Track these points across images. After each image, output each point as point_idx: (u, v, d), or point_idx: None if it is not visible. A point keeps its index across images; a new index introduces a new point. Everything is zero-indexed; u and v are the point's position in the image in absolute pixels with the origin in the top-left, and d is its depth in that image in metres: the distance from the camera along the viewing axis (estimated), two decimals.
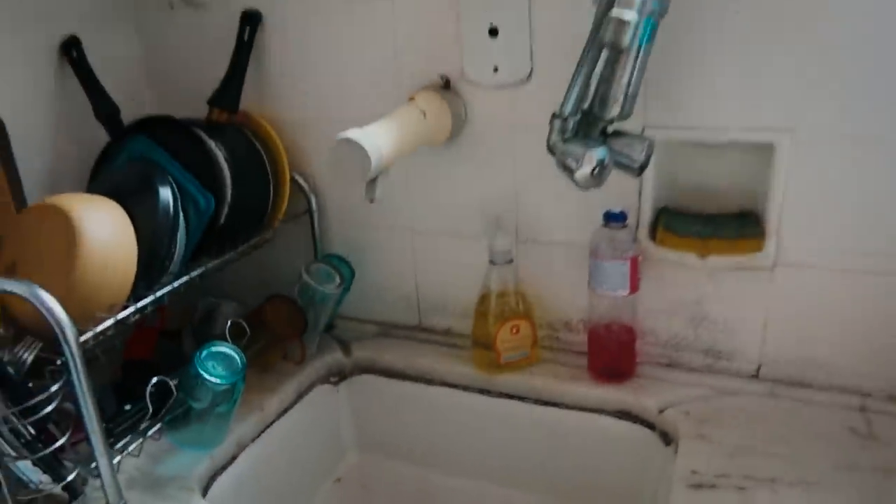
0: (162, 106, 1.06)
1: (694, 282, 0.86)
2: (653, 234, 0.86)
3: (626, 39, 0.59)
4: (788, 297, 0.83)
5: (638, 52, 0.69)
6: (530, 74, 0.84)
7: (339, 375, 1.01)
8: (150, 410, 0.73)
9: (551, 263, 0.93)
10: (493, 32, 0.83)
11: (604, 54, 0.68)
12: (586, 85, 0.70)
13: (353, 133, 0.71)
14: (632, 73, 0.69)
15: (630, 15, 0.58)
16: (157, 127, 0.88)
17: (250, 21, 0.94)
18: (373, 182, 0.75)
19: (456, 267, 0.98)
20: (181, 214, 0.81)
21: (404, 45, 0.89)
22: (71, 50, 0.93)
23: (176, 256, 0.82)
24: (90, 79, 0.93)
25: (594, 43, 0.68)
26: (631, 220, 0.85)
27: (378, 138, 0.72)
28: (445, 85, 0.87)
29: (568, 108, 0.71)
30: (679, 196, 0.87)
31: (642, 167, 0.73)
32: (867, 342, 0.81)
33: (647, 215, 0.85)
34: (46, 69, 0.92)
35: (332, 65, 0.94)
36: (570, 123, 0.72)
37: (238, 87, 0.94)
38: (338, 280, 0.93)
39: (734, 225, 0.83)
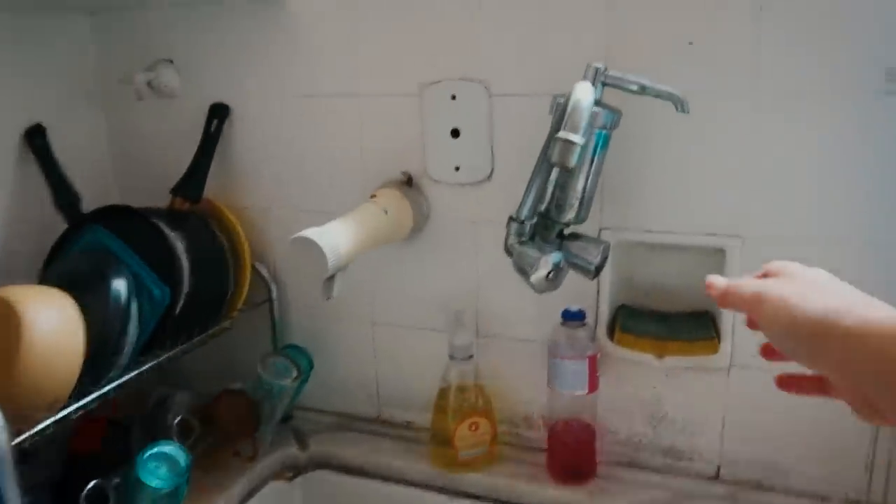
0: (127, 194, 1.06)
1: (652, 381, 0.86)
2: (611, 332, 0.86)
3: (572, 160, 0.60)
4: (745, 399, 0.83)
5: (591, 161, 0.72)
6: (491, 174, 0.86)
7: (294, 470, 0.98)
8: None
9: (511, 359, 0.92)
10: (455, 134, 0.85)
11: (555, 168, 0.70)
12: (542, 190, 0.72)
13: (311, 232, 0.71)
14: (586, 181, 0.71)
15: (576, 138, 0.60)
16: (116, 216, 0.88)
17: (218, 113, 0.96)
18: (330, 280, 0.74)
19: (416, 360, 0.97)
20: (134, 306, 0.80)
21: (369, 142, 0.91)
22: (35, 138, 0.93)
23: (126, 349, 0.80)
24: (52, 167, 0.93)
25: (545, 157, 0.70)
26: (590, 319, 0.86)
27: (336, 237, 0.73)
28: (408, 182, 0.89)
29: (524, 213, 0.72)
30: (636, 294, 0.88)
31: (598, 269, 0.74)
32: (825, 446, 0.81)
33: (605, 314, 0.86)
34: (7, 156, 0.92)
35: (298, 159, 0.95)
36: (527, 227, 0.73)
37: (202, 178, 0.95)
38: (294, 373, 0.91)
39: (690, 325, 0.84)
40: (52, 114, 0.96)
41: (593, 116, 0.68)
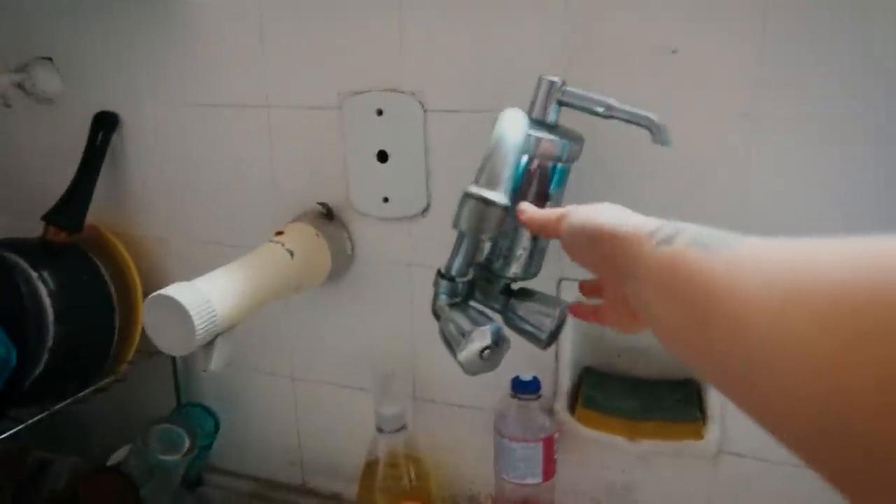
0: (12, 216, 0.89)
1: (622, 464, 0.70)
2: (573, 403, 0.70)
3: (489, 228, 0.43)
4: (735, 492, 0.67)
5: (545, 201, 0.55)
6: (427, 207, 0.69)
7: None
8: None
9: (453, 428, 0.76)
10: (383, 157, 0.69)
11: None
12: (478, 240, 0.56)
13: (174, 289, 0.54)
14: None
15: (496, 195, 0.43)
16: None
17: (104, 124, 0.79)
18: (208, 347, 0.58)
19: (343, 422, 0.81)
20: None
21: (282, 164, 0.74)
22: None
23: None
24: None
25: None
26: (546, 385, 0.69)
27: (212, 293, 0.56)
28: (327, 214, 0.72)
29: (455, 267, 0.56)
30: (605, 355, 0.72)
31: (551, 337, 0.57)
32: None
33: (566, 381, 0.70)
34: None
35: (200, 180, 0.79)
36: (460, 285, 0.57)
37: (83, 202, 0.78)
38: (186, 446, 0.75)
39: (670, 400, 0.68)
40: None
41: (542, 146, 0.52)
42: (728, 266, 0.29)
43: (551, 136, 0.53)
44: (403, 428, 0.73)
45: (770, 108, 0.57)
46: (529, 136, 0.52)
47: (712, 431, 0.65)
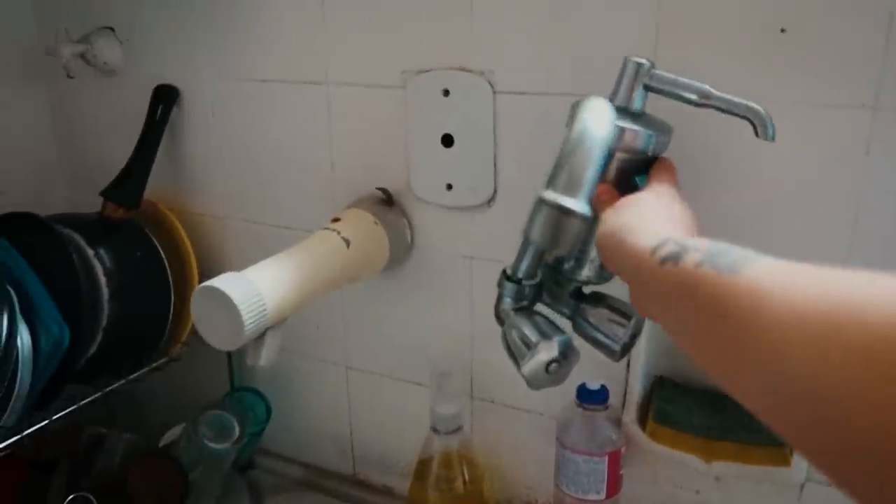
0: (75, 187, 0.89)
1: (697, 485, 0.64)
2: (644, 414, 0.64)
3: (567, 241, 0.37)
4: None
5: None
6: (493, 197, 0.64)
7: None
8: None
9: (512, 431, 0.72)
10: (448, 141, 0.64)
11: None
12: None
13: (223, 281, 0.51)
14: None
15: (575, 204, 0.37)
16: (23, 227, 0.70)
17: (164, 98, 0.77)
18: (258, 341, 0.55)
19: (397, 415, 0.78)
20: (22, 348, 0.63)
21: (340, 145, 0.70)
22: None
23: (14, 400, 0.63)
24: None
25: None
26: (615, 394, 0.64)
27: (262, 286, 0.53)
28: (386, 200, 0.68)
29: (522, 269, 0.51)
30: (681, 365, 0.65)
31: (625, 348, 0.52)
32: None
33: (636, 391, 0.64)
34: None
35: (259, 159, 0.76)
36: (527, 289, 0.52)
37: (141, 178, 0.77)
38: (236, 434, 0.73)
39: (752, 420, 0.61)
40: None
41: (624, 138, 0.46)
42: (751, 293, 0.28)
43: (636, 127, 0.47)
44: (459, 429, 0.69)
45: None
46: (616, 126, 0.46)
47: (800, 458, 0.58)
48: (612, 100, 0.49)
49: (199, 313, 0.52)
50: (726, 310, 0.29)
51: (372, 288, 0.73)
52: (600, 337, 0.50)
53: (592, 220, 0.41)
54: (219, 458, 0.73)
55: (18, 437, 0.63)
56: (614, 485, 0.63)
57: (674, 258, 0.33)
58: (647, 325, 0.61)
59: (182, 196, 0.81)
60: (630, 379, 0.64)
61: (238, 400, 0.79)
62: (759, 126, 0.45)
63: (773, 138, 0.45)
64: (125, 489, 0.67)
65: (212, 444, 0.71)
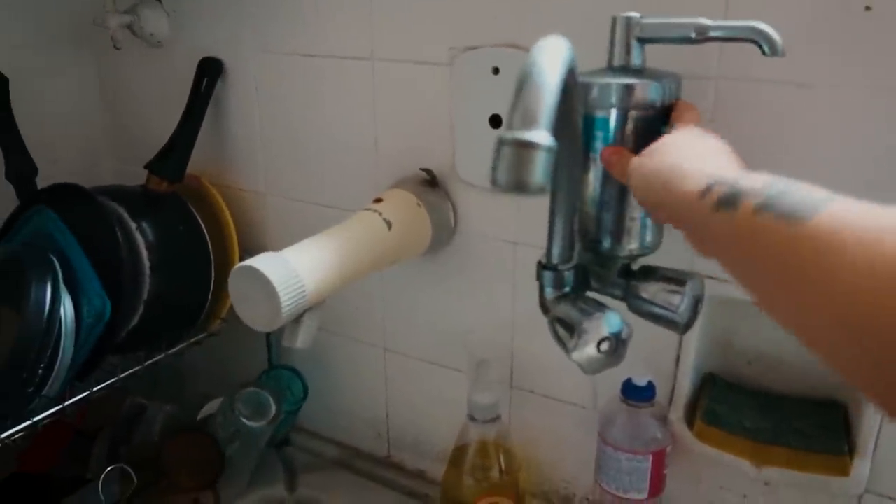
0: (121, 158, 0.89)
1: (745, 489, 0.62)
2: (691, 413, 0.61)
3: (532, 176, 0.34)
4: None
5: None
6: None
7: None
8: None
9: (552, 423, 0.70)
10: (496, 122, 0.61)
11: (597, 171, 0.47)
12: (570, 219, 0.48)
13: (262, 261, 0.50)
14: None
15: (535, 135, 0.34)
16: (70, 198, 0.70)
17: (209, 70, 0.76)
18: (296, 323, 0.54)
19: (434, 400, 0.77)
20: (65, 320, 0.63)
21: (384, 122, 0.68)
22: None
23: (54, 373, 0.63)
24: (9, 129, 0.76)
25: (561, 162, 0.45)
26: (662, 391, 0.61)
27: (301, 267, 0.52)
28: (430, 182, 0.66)
29: (555, 255, 0.49)
30: (734, 363, 0.62)
31: (690, 318, 0.49)
32: None
33: (685, 388, 0.61)
34: None
35: (302, 136, 0.74)
36: (566, 275, 0.50)
37: (185, 152, 0.76)
38: (272, 412, 0.73)
39: (809, 423, 0.58)
40: (21, 62, 0.79)
41: (632, 92, 0.45)
42: (823, 242, 0.26)
43: (642, 81, 0.45)
44: (497, 419, 0.68)
45: None
46: (617, 85, 0.45)
47: (860, 467, 0.55)
48: (610, 62, 0.48)
49: (236, 293, 0.52)
50: (799, 260, 0.27)
51: (413, 270, 0.71)
52: (657, 310, 0.48)
53: (558, 153, 0.37)
54: (254, 436, 0.73)
55: (60, 406, 0.64)
56: (657, 485, 0.61)
57: (729, 203, 0.31)
58: (700, 321, 0.58)
59: (224, 171, 0.81)
60: (679, 375, 0.61)
61: (275, 378, 0.79)
62: (767, 44, 0.42)
63: (783, 53, 0.42)
64: (164, 463, 0.67)
65: (248, 422, 0.71)
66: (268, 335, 0.82)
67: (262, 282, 0.50)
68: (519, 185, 0.35)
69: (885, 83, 0.48)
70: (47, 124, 0.82)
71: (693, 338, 0.60)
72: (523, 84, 0.37)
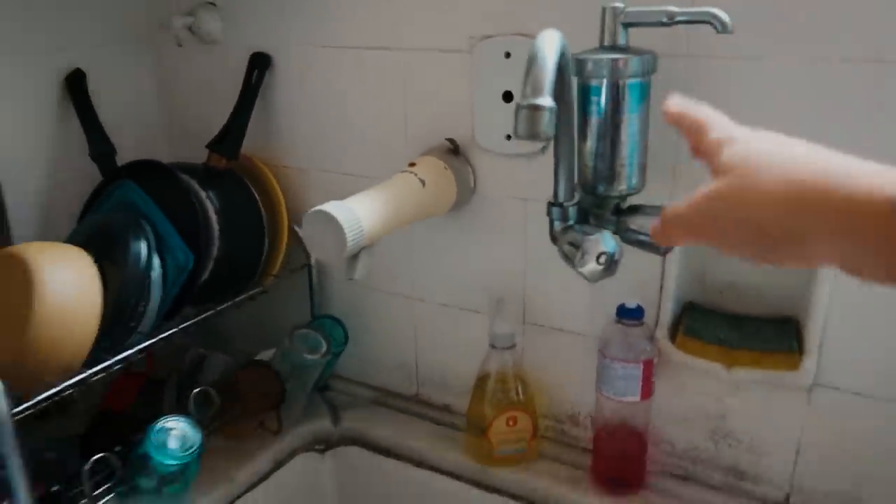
0: (173, 144, 1.02)
1: (718, 393, 0.75)
2: (674, 333, 0.75)
3: (543, 128, 0.49)
4: (827, 424, 0.71)
5: (629, 118, 0.61)
6: (546, 146, 0.75)
7: (325, 444, 0.94)
8: (87, 494, 0.67)
9: (559, 351, 0.83)
10: (508, 97, 0.75)
11: (593, 127, 0.61)
12: (571, 165, 0.62)
13: (330, 206, 0.64)
14: (632, 142, 0.61)
15: (543, 100, 0.49)
16: (148, 172, 0.84)
17: (259, 64, 0.89)
18: (354, 259, 0.67)
19: (457, 340, 0.90)
20: (156, 270, 0.76)
21: (413, 103, 0.82)
22: (75, 84, 0.89)
23: (147, 315, 0.76)
24: (89, 116, 0.89)
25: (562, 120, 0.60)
26: (649, 316, 0.75)
27: (360, 211, 0.65)
28: (453, 150, 0.79)
29: (560, 194, 0.63)
30: (708, 292, 0.76)
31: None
32: None
33: (668, 312, 0.75)
34: (47, 103, 0.89)
35: (339, 117, 0.88)
36: (569, 210, 0.63)
37: (240, 133, 0.89)
38: (324, 348, 0.86)
39: (768, 334, 0.72)
40: (96, 58, 0.92)
41: (618, 65, 0.58)
42: None
43: (626, 56, 0.59)
44: (513, 346, 0.81)
45: None
46: (607, 59, 0.58)
47: (809, 363, 0.69)
48: (601, 42, 0.61)
49: (309, 233, 0.65)
50: None
51: (438, 227, 0.85)
52: (643, 238, 0.62)
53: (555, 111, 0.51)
54: (308, 370, 0.86)
55: (152, 341, 0.76)
56: (648, 389, 0.74)
57: None
58: (678, 258, 0.72)
59: (272, 151, 0.94)
60: (662, 301, 0.75)
61: (321, 324, 0.91)
62: (719, 24, 0.55)
63: (732, 31, 0.55)
64: (236, 389, 0.80)
65: (304, 356, 0.84)
66: (311, 290, 0.95)
67: (331, 222, 0.63)
68: (533, 135, 0.50)
69: (820, 54, 0.61)
70: (111, 114, 0.94)
71: (673, 271, 0.74)
72: (531, 65, 0.51)
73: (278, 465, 0.88)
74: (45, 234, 0.88)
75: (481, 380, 0.84)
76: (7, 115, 0.85)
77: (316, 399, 0.96)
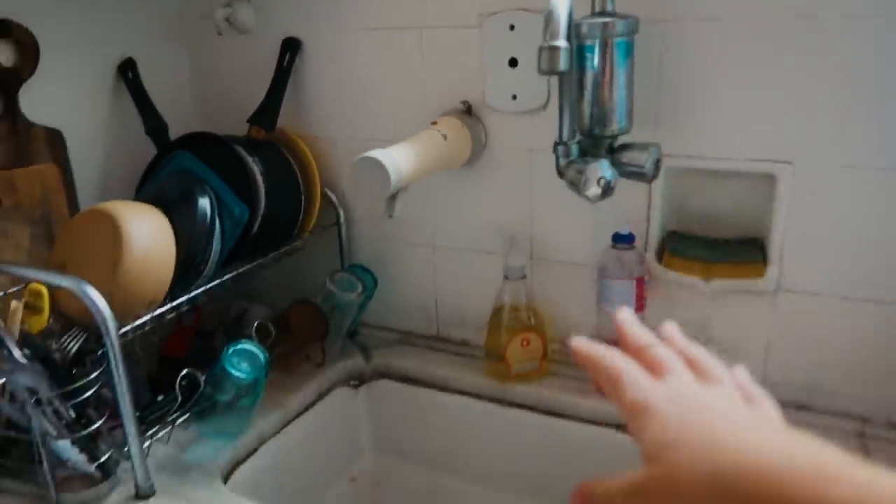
0: (207, 123, 1.14)
1: (699, 304, 0.89)
2: (660, 256, 0.89)
3: (561, 64, 0.65)
4: (791, 322, 0.85)
5: (616, 71, 0.75)
6: (546, 103, 0.89)
7: (358, 379, 1.07)
8: (180, 400, 0.80)
9: (563, 282, 0.97)
10: (513, 63, 0.89)
11: (589, 80, 0.75)
12: (574, 110, 0.77)
13: (375, 152, 0.77)
14: (618, 91, 0.75)
15: (559, 42, 0.64)
16: (200, 143, 0.96)
17: (290, 48, 1.02)
18: (392, 199, 0.80)
19: (473, 281, 1.03)
20: (217, 223, 0.88)
21: (430, 73, 0.95)
22: (127, 71, 1.02)
23: (211, 261, 0.88)
24: (142, 98, 1.02)
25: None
26: (639, 243, 0.89)
27: (399, 158, 0.78)
28: (467, 111, 0.93)
29: (564, 134, 0.77)
30: (687, 221, 0.90)
31: (653, 171, 0.77)
32: (868, 369, 0.83)
33: (654, 238, 0.89)
34: (104, 87, 1.01)
35: (364, 91, 1.01)
36: (571, 147, 0.77)
37: (276, 108, 1.02)
38: (360, 288, 0.99)
39: (738, 251, 0.86)
40: (142, 48, 1.04)
41: (608, 27, 0.72)
42: None
43: (614, 19, 0.73)
44: (524, 277, 0.94)
45: None
46: (599, 23, 0.72)
47: (772, 271, 0.83)
48: (593, 9, 0.76)
49: (357, 175, 0.77)
50: None
51: (454, 180, 0.98)
52: (633, 168, 0.76)
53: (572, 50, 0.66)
54: (346, 307, 0.99)
55: (214, 282, 0.88)
56: (641, 303, 0.88)
57: None
58: (661, 189, 0.86)
59: (303, 123, 1.07)
60: (650, 229, 0.89)
61: (352, 271, 1.04)
62: None
63: None
64: (288, 323, 0.93)
65: (343, 295, 0.97)
66: (340, 244, 1.08)
67: (378, 166, 0.76)
68: (552, 69, 0.64)
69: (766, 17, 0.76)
70: (154, 97, 1.07)
71: (657, 203, 0.88)
72: (549, 19, 0.66)
73: (321, 396, 1.01)
74: (105, 199, 1.00)
75: (497, 310, 0.97)
76: (72, 98, 0.98)
77: (348, 344, 1.09)
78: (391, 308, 1.11)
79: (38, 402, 0.72)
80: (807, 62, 0.76)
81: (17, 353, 0.72)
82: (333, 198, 1.07)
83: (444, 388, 1.02)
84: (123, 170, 1.03)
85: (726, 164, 0.83)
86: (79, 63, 0.98)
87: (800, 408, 0.88)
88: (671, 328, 0.43)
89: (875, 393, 0.83)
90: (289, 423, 0.95)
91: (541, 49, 0.64)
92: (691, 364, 0.40)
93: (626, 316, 0.43)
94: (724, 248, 0.87)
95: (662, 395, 0.37)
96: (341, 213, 1.07)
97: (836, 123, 0.76)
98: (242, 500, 0.76)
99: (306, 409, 0.98)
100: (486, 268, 1.01)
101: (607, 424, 0.91)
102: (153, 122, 1.01)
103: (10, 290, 0.83)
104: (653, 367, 0.39)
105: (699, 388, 0.38)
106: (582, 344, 0.41)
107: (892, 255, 0.78)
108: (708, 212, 0.89)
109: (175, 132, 1.02)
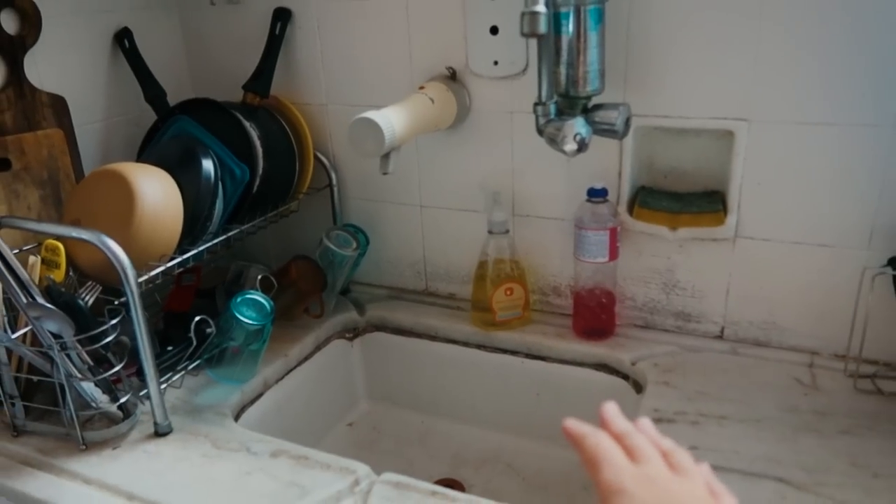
0: (200, 91, 1.19)
1: (666, 252, 0.98)
2: (630, 209, 0.97)
3: (541, 27, 0.72)
4: (748, 267, 0.94)
5: (588, 35, 0.82)
6: (526, 68, 0.96)
7: (353, 332, 1.14)
8: (194, 343, 0.86)
9: (543, 235, 1.05)
10: (494, 31, 0.95)
11: (564, 45, 0.82)
12: (552, 73, 0.84)
13: (370, 113, 0.83)
14: (592, 54, 0.82)
15: (539, 7, 0.72)
16: (199, 108, 1.01)
17: (281, 17, 1.07)
18: (386, 157, 0.87)
19: (459, 238, 1.11)
20: (220, 183, 0.94)
21: (416, 41, 1.01)
22: (123, 39, 1.06)
23: (215, 219, 0.94)
24: (140, 66, 1.06)
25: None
26: (612, 197, 0.97)
27: (391, 119, 0.85)
28: (452, 76, 1.00)
29: (543, 95, 0.84)
30: (655, 177, 0.98)
31: (623, 129, 0.85)
32: (817, 308, 0.92)
33: (625, 193, 0.97)
34: (102, 56, 1.06)
35: (352, 57, 1.07)
36: (550, 107, 0.85)
37: (269, 75, 1.07)
38: (354, 245, 1.06)
39: (701, 202, 0.95)
40: (137, 17, 1.09)
41: None
42: None
43: None
44: (507, 232, 1.02)
45: None
46: None
47: (731, 219, 0.92)
48: None
49: (354, 133, 0.84)
50: None
51: (440, 142, 1.05)
52: (605, 126, 0.83)
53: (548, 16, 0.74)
54: (342, 262, 1.05)
55: (218, 239, 0.94)
56: (614, 252, 0.97)
57: None
58: (631, 148, 0.94)
59: (295, 90, 1.12)
60: (621, 184, 0.97)
61: (346, 229, 1.11)
62: None
63: None
64: (289, 276, 1.00)
65: (340, 250, 1.03)
66: (333, 205, 1.14)
67: (373, 126, 0.82)
68: (533, 32, 0.71)
69: None
70: (150, 66, 1.11)
71: (628, 161, 0.96)
72: None
73: (318, 347, 1.08)
74: (107, 163, 1.05)
75: (482, 264, 1.05)
76: (73, 66, 1.02)
77: (341, 300, 1.16)
78: (381, 266, 1.19)
79: (63, 347, 0.78)
80: (759, 27, 0.84)
81: (41, 300, 0.78)
82: (326, 161, 1.13)
83: (433, 338, 1.09)
84: (123, 134, 1.08)
85: (689, 123, 0.91)
86: (78, 32, 1.02)
87: (757, 344, 0.97)
88: (646, 423, 0.45)
89: (822, 329, 0.93)
90: (290, 370, 1.02)
91: (523, 14, 0.71)
92: (665, 455, 0.42)
93: (611, 409, 0.45)
94: (687, 200, 0.95)
95: (637, 479, 0.39)
96: (333, 175, 1.13)
97: (787, 82, 0.84)
98: (256, 433, 0.84)
99: (306, 358, 1.05)
100: (470, 225, 1.08)
101: (582, 364, 1.00)
102: (152, 90, 1.06)
103: (24, 248, 0.89)
104: (631, 453, 0.42)
105: (672, 477, 0.40)
106: (572, 424, 0.43)
107: (839, 203, 0.87)
108: (673, 167, 0.97)
109: (172, 99, 1.07)
